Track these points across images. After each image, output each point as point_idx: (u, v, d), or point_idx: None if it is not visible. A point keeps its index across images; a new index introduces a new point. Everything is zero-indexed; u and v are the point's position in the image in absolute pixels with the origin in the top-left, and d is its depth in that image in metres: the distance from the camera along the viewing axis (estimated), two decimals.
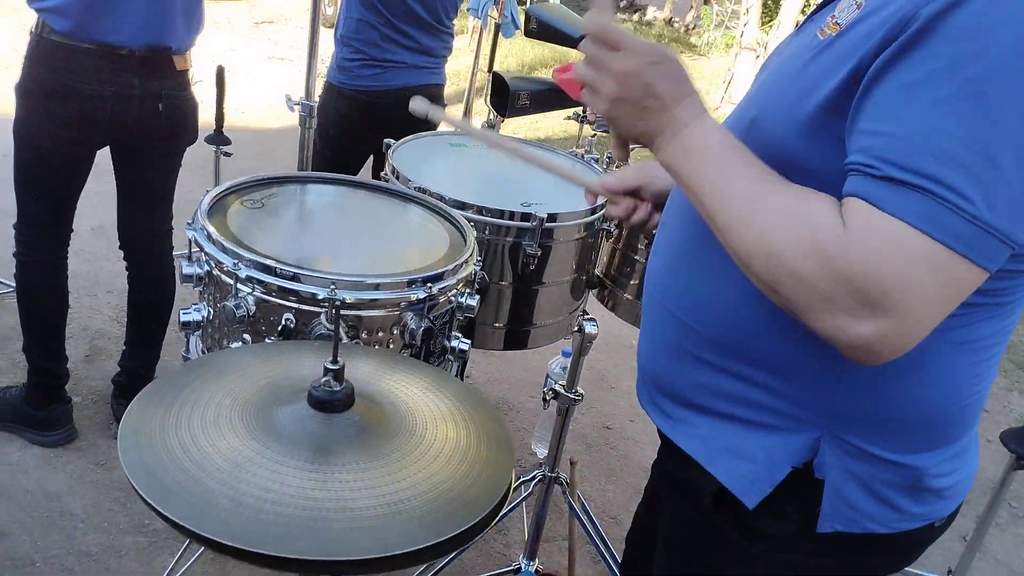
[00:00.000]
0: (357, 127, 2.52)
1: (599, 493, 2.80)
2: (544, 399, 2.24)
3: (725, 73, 8.39)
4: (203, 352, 1.43)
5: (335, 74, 2.75)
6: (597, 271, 2.08)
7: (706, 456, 1.06)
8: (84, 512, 2.31)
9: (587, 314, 2.08)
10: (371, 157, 2.93)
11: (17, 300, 2.42)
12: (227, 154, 3.50)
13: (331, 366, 1.01)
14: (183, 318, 1.39)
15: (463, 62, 7.97)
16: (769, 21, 8.70)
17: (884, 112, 0.80)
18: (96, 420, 2.62)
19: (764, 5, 8.30)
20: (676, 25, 12.60)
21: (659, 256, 1.17)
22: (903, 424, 0.98)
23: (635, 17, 12.84)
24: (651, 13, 13.04)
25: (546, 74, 7.61)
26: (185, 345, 1.46)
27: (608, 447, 3.09)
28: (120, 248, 2.55)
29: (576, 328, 2.05)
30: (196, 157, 4.57)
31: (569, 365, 2.50)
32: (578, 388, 2.19)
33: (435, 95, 2.86)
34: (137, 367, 2.62)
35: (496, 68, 3.55)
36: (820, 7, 1.03)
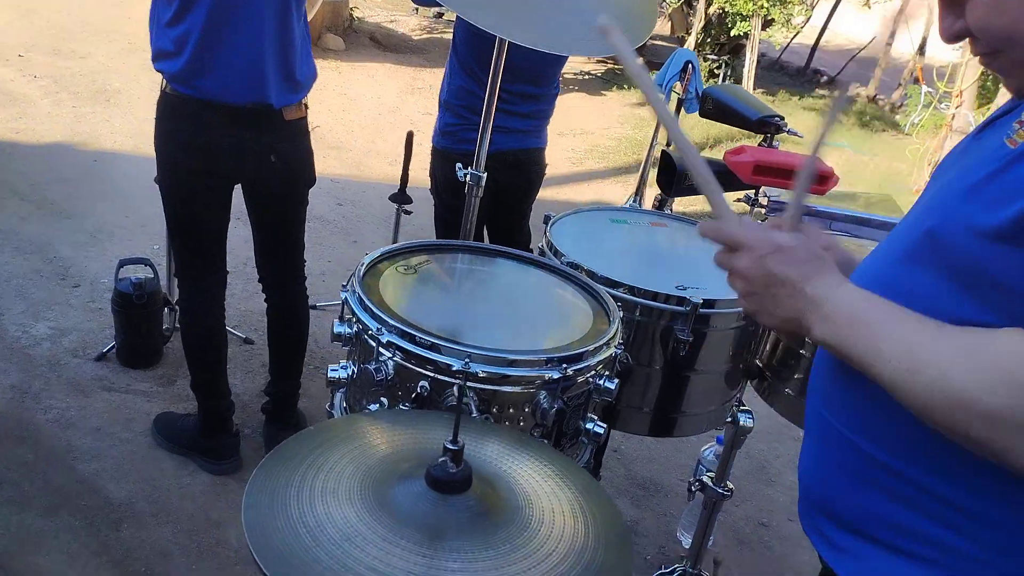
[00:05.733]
0: (464, 190, 2.50)
1: None
2: (690, 489, 2.13)
3: (930, 155, 7.86)
4: (346, 408, 1.47)
5: (439, 139, 2.77)
6: (757, 360, 1.96)
7: None
8: (239, 542, 2.42)
9: (743, 405, 1.97)
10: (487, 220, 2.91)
11: (182, 342, 2.62)
12: (407, 212, 3.70)
13: (450, 446, 0.99)
14: (331, 375, 1.44)
15: (649, 133, 8.01)
16: (984, 105, 8.10)
17: None
18: (263, 452, 2.77)
19: (982, 87, 7.73)
20: (880, 103, 12.01)
21: (821, 357, 1.08)
22: None
23: (835, 93, 12.38)
24: (854, 89, 12.52)
25: (726, 148, 7.47)
26: (331, 399, 1.51)
27: (763, 546, 2.87)
28: (259, 283, 2.72)
29: (729, 419, 1.95)
30: (384, 213, 4.88)
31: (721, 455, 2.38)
32: (728, 483, 2.07)
33: (536, 159, 2.84)
34: (280, 395, 2.78)
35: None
36: (1006, 112, 0.94)
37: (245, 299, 3.66)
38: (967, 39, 0.95)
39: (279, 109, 2.30)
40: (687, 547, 2.47)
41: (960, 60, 7.97)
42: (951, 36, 0.96)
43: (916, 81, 10.16)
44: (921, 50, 10.52)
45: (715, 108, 2.20)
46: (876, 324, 0.88)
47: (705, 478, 2.06)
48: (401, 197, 3.65)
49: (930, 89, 8.40)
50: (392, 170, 5.96)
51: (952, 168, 0.99)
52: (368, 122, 6.89)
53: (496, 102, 1.93)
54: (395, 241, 3.79)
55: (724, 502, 2.09)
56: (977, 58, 0.97)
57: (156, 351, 3.18)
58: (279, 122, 2.33)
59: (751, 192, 2.16)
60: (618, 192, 6.37)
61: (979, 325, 0.82)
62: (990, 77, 8.36)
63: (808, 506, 1.12)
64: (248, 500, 0.96)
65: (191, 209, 2.39)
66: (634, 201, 3.62)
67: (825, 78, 13.40)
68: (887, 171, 8.05)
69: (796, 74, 13.47)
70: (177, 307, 3.34)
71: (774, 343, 1.98)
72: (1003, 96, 7.04)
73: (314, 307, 3.20)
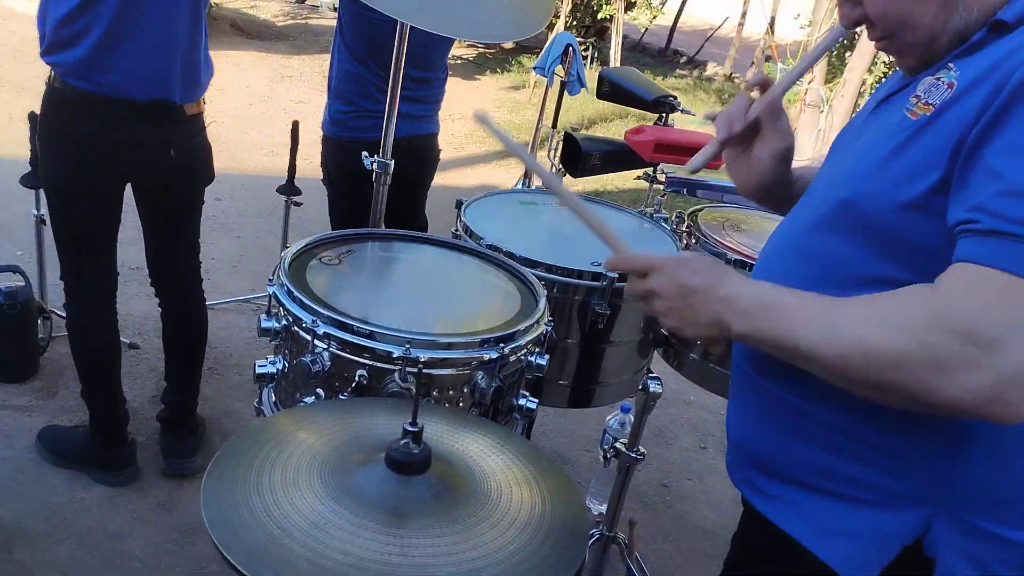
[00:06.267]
0: (359, 179, 2.41)
1: (654, 554, 2.74)
2: (605, 457, 2.21)
3: None
4: (276, 404, 1.45)
5: (330, 127, 2.71)
6: (664, 330, 2.06)
7: (809, 535, 1.04)
8: (143, 553, 2.34)
9: (652, 373, 2.06)
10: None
11: (71, 350, 2.47)
12: (297, 203, 3.62)
13: (410, 427, 1.01)
14: (259, 370, 1.41)
15: (525, 116, 8.11)
16: (833, 79, 8.68)
17: (987, 173, 0.82)
18: (160, 460, 2.67)
19: (829, 63, 8.29)
20: (737, 81, 12.62)
21: None
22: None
23: (695, 73, 12.91)
24: (711, 69, 13.10)
25: (606, 128, 7.68)
26: (258, 397, 1.48)
27: (664, 506, 3.02)
28: (151, 286, 2.62)
29: (640, 387, 2.04)
30: (268, 205, 4.75)
31: (627, 421, 2.48)
32: (640, 447, 2.17)
33: (429, 144, 2.83)
34: (178, 401, 2.67)
35: (558, 122, 3.61)
36: (900, 88, 1.04)
37: (125, 302, 3.47)
38: (864, 24, 1.05)
39: (180, 105, 2.23)
40: (597, 514, 2.57)
41: (808, 38, 8.50)
42: (850, 22, 1.06)
43: (769, 59, 10.75)
44: (771, 29, 11.12)
45: (612, 90, 2.28)
46: (787, 305, 0.94)
47: (619, 444, 2.15)
48: (290, 188, 3.57)
49: (784, 66, 8.91)
50: (270, 161, 5.79)
51: (855, 142, 1.08)
52: (239, 112, 6.65)
53: (387, 87, 1.92)
54: (285, 234, 3.71)
55: (637, 465, 2.19)
56: (873, 42, 1.08)
57: (32, 363, 3.00)
58: (179, 117, 2.25)
59: (650, 170, 2.25)
60: (502, 176, 6.45)
61: (896, 283, 0.90)
62: (834, 54, 8.96)
63: (739, 459, 1.19)
64: (207, 500, 0.95)
65: (81, 208, 2.26)
66: (524, 184, 3.68)
67: (684, 59, 13.96)
68: None
69: (658, 55, 13.97)
70: (52, 315, 3.15)
71: None
72: (853, 70, 7.56)
73: None
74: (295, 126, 3.22)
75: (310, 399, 1.34)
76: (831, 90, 8.01)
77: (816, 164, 1.36)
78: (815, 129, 7.87)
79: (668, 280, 1.02)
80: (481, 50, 11.31)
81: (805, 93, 7.86)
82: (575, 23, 10.88)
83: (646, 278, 1.05)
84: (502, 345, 1.33)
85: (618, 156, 2.13)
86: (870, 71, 7.97)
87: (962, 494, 0.95)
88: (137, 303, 3.50)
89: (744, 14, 12.74)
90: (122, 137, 2.17)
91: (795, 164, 1.31)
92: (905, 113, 0.95)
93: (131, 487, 2.56)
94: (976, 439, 0.93)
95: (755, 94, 1.24)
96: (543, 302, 1.50)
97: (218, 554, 0.87)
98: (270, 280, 1.40)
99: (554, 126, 3.61)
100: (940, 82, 0.92)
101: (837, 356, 0.88)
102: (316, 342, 1.30)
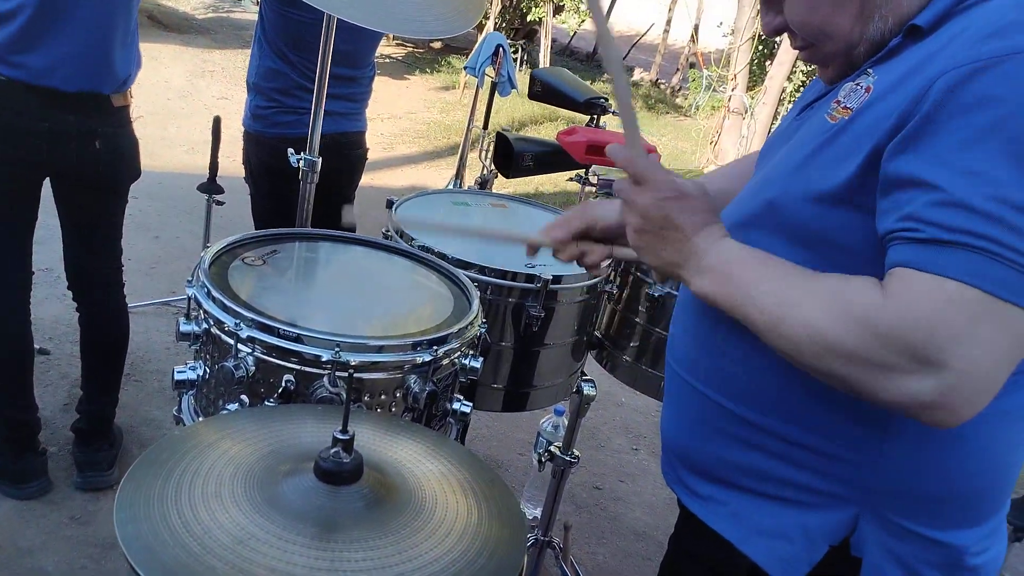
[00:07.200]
0: (283, 176, 2.32)
1: (589, 557, 2.74)
2: (540, 460, 2.19)
3: (712, 135, 8.54)
4: (196, 412, 1.39)
5: (251, 122, 2.63)
6: (597, 332, 2.06)
7: (739, 535, 1.04)
8: (57, 569, 2.22)
9: (585, 375, 2.06)
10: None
11: None
12: (219, 202, 3.50)
13: (341, 436, 0.97)
14: (177, 377, 1.34)
15: (456, 117, 8.07)
16: (755, 87, 8.92)
17: (918, 184, 0.82)
18: (73, 471, 2.54)
19: (751, 71, 8.51)
20: (662, 87, 12.85)
21: (680, 326, 1.15)
22: (947, 499, 0.97)
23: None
24: (638, 74, 13.30)
25: (536, 130, 7.70)
26: (177, 404, 1.41)
27: (598, 508, 3.03)
28: (69, 289, 2.50)
29: (575, 389, 2.03)
30: (188, 204, 4.59)
31: (561, 424, 2.47)
32: (574, 450, 2.15)
33: (357, 142, 2.77)
34: (95, 411, 2.55)
35: (489, 124, 3.59)
36: (822, 95, 1.06)
37: (35, 305, 3.27)
38: (785, 33, 1.06)
39: (108, 95, 2.14)
40: (531, 519, 2.55)
41: (732, 46, 8.71)
42: (771, 30, 1.08)
43: (693, 66, 10.98)
44: (695, 36, 11.38)
45: (544, 90, 2.26)
46: (754, 273, 0.93)
47: (553, 448, 2.13)
48: (211, 186, 3.45)
49: (709, 73, 9.11)
50: (190, 159, 5.60)
51: (781, 147, 1.09)
52: (157, 108, 6.42)
53: (310, 85, 1.87)
54: (207, 234, 3.58)
55: (571, 468, 2.17)
56: (797, 52, 1.09)
57: None
58: (107, 107, 2.15)
59: (581, 172, 2.24)
60: (432, 176, 6.39)
61: None
62: (755, 62, 9.21)
63: (672, 461, 1.19)
64: (120, 516, 0.88)
65: None
66: (455, 184, 3.65)
67: None
68: (673, 151, 8.66)
69: (586, 59, 14.11)
70: None
71: (611, 315, 2.09)
72: (774, 77, 7.78)
73: None
74: (216, 121, 3.11)
75: (233, 406, 1.27)
76: (752, 98, 8.22)
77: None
78: (739, 136, 8.06)
79: (656, 203, 0.98)
80: (410, 49, 11.22)
81: (729, 100, 8.05)
82: (504, 25, 10.90)
83: (639, 186, 1.00)
84: (435, 348, 1.30)
85: (550, 157, 2.12)
86: (789, 79, 8.21)
87: (887, 494, 0.96)
88: (48, 306, 3.33)
89: (669, 21, 13.00)
90: (41, 127, 2.07)
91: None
92: (825, 117, 0.97)
93: (42, 500, 2.43)
94: (901, 439, 0.94)
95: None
96: (476, 304, 1.47)
97: (134, 574, 0.81)
98: (189, 281, 1.34)
99: (485, 127, 3.59)
100: (859, 87, 0.94)
101: (789, 343, 0.88)
102: (239, 346, 1.24)
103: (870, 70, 0.95)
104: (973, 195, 0.79)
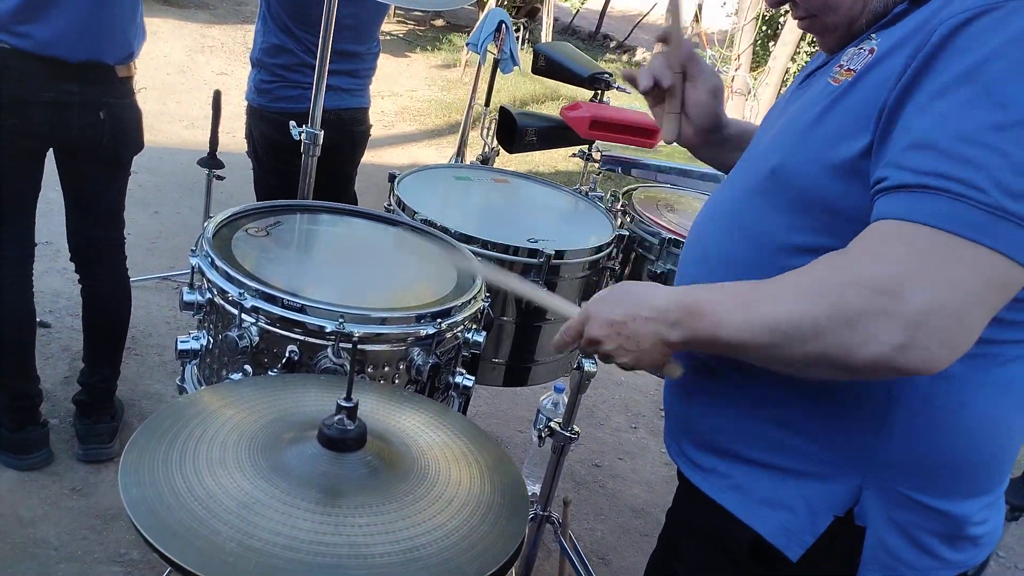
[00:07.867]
0: (286, 151, 2.30)
1: (588, 532, 2.76)
2: (540, 437, 2.20)
3: None
4: (199, 381, 1.39)
5: (254, 96, 2.62)
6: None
7: (742, 507, 1.04)
8: (58, 540, 2.23)
9: None
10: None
11: None
12: (219, 177, 3.49)
13: (344, 403, 0.97)
14: (181, 346, 1.34)
15: (457, 95, 8.02)
16: (758, 67, 8.87)
17: (901, 130, 0.84)
18: (74, 443, 2.55)
19: (754, 52, 8.46)
20: None
21: None
22: (951, 468, 0.97)
23: (624, 58, 13.01)
24: (640, 54, 13.22)
25: (539, 108, 7.67)
26: (181, 374, 1.41)
27: (597, 485, 3.04)
28: (71, 260, 2.50)
29: (575, 366, 2.03)
30: (188, 180, 4.57)
31: (561, 401, 2.48)
32: (574, 426, 2.16)
33: (360, 119, 2.77)
34: (96, 383, 2.55)
35: (490, 102, 3.57)
36: (825, 63, 1.06)
37: (36, 278, 3.28)
38: (787, 4, 1.06)
39: (112, 66, 2.12)
40: (531, 494, 2.57)
41: (735, 27, 8.65)
42: (775, 2, 1.07)
43: (696, 46, 10.92)
44: (698, 16, 11.29)
45: (547, 65, 2.24)
46: (706, 303, 0.93)
47: (553, 424, 2.13)
48: (211, 161, 3.43)
49: (713, 53, 9.06)
50: (190, 134, 5.57)
51: (782, 116, 1.09)
52: (156, 83, 6.37)
53: (314, 61, 1.86)
54: (207, 209, 3.57)
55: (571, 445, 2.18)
56: (796, 21, 1.09)
57: None
58: (111, 78, 2.14)
59: (585, 148, 2.23)
60: (432, 154, 6.37)
61: (820, 249, 0.91)
62: (758, 43, 9.16)
63: (674, 432, 1.20)
64: (125, 481, 0.89)
65: None
66: (457, 161, 3.63)
67: (614, 43, 14.04)
68: None
69: (588, 38, 14.01)
70: None
71: None
72: (778, 58, 7.74)
73: None
74: (217, 95, 3.09)
75: (237, 376, 1.28)
76: (755, 78, 8.18)
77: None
78: (742, 116, 8.04)
79: (597, 324, 1.01)
80: (412, 27, 11.14)
81: (732, 80, 8.01)
82: (506, 3, 10.81)
83: (585, 333, 1.04)
84: (439, 321, 1.30)
85: (554, 132, 2.11)
86: (793, 60, 8.17)
87: (892, 463, 0.97)
88: (48, 279, 3.33)
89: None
90: (45, 98, 2.05)
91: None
92: (829, 80, 0.97)
93: (44, 471, 2.44)
94: (901, 408, 0.94)
95: (660, 48, 1.25)
96: (480, 278, 1.47)
97: (139, 539, 0.82)
98: (193, 251, 1.33)
99: (487, 105, 3.57)
100: (862, 50, 0.94)
101: (760, 341, 0.87)
102: (243, 316, 1.24)
103: (873, 35, 0.95)
104: (941, 136, 0.80)
